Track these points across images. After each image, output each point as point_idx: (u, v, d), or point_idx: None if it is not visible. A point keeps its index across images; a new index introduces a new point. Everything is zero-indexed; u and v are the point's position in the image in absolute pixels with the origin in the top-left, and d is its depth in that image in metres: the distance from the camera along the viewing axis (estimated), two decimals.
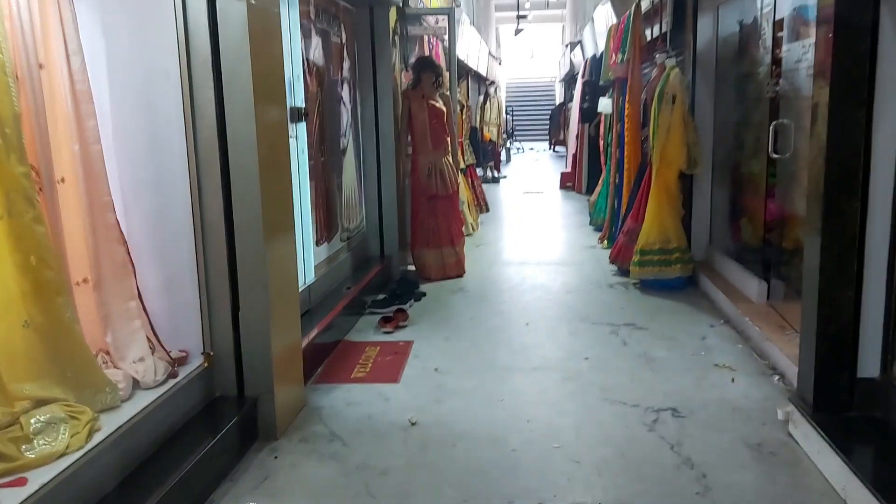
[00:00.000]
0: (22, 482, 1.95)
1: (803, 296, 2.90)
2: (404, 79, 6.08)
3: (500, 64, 20.91)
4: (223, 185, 2.77)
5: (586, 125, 10.58)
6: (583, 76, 11.79)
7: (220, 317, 2.85)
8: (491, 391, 3.39)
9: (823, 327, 2.75)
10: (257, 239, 2.80)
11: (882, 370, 2.73)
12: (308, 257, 4.25)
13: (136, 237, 2.74)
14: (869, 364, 2.75)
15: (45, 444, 2.09)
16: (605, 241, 6.86)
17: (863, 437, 2.65)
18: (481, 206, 9.34)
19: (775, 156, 3.80)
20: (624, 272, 5.49)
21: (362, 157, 5.52)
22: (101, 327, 2.57)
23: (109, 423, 2.30)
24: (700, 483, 2.53)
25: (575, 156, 11.59)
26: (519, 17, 19.48)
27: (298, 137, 4.08)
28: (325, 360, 3.83)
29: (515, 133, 21.61)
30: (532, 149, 22.76)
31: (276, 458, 2.77)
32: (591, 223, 8.08)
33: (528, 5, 20.62)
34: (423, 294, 5.14)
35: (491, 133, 13.94)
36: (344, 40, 5.11)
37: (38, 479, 1.98)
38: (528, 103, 26.78)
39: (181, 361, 2.79)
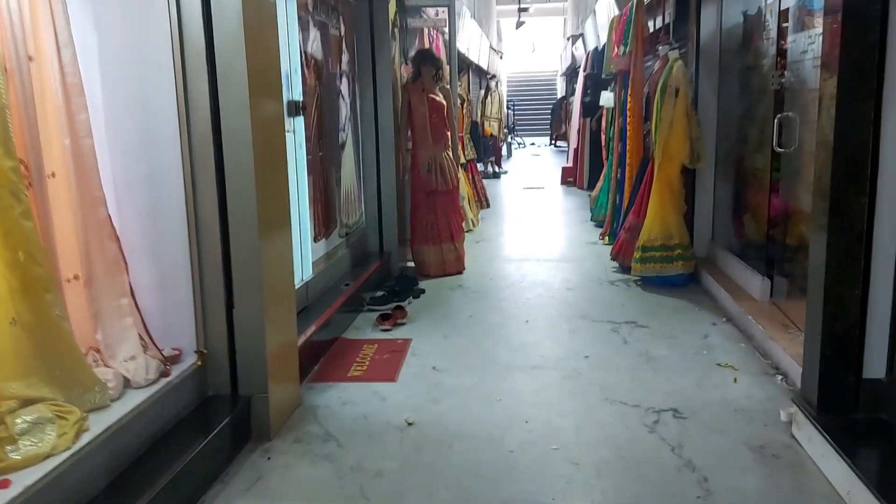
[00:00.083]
0: (5, 484, 1.90)
1: (808, 294, 2.84)
2: (404, 72, 6.01)
3: (501, 57, 20.80)
4: (218, 181, 2.72)
5: (588, 119, 10.52)
6: (584, 69, 11.72)
7: (214, 314, 2.80)
8: (489, 390, 3.35)
9: (829, 326, 2.69)
10: (252, 235, 2.76)
11: (888, 371, 2.67)
12: (306, 253, 4.19)
13: (129, 233, 2.69)
14: (875, 364, 2.69)
15: (30, 445, 2.04)
16: (607, 238, 6.81)
17: (868, 439, 2.59)
18: (482, 201, 9.29)
19: (780, 150, 3.74)
20: (625, 269, 5.44)
21: (361, 151, 5.46)
22: (92, 325, 2.52)
23: (98, 424, 2.25)
24: (701, 486, 2.48)
25: (576, 151, 11.52)
26: (520, 9, 19.35)
27: (296, 131, 4.03)
28: (322, 358, 3.78)
29: (516, 127, 21.51)
30: (533, 143, 22.68)
31: (269, 458, 2.73)
32: (592, 219, 8.03)
33: None
34: (423, 291, 5.09)
35: (492, 128, 13.87)
36: (343, 33, 5.05)
37: (22, 480, 1.93)
38: (530, 97, 26.66)
39: (174, 360, 2.74)
